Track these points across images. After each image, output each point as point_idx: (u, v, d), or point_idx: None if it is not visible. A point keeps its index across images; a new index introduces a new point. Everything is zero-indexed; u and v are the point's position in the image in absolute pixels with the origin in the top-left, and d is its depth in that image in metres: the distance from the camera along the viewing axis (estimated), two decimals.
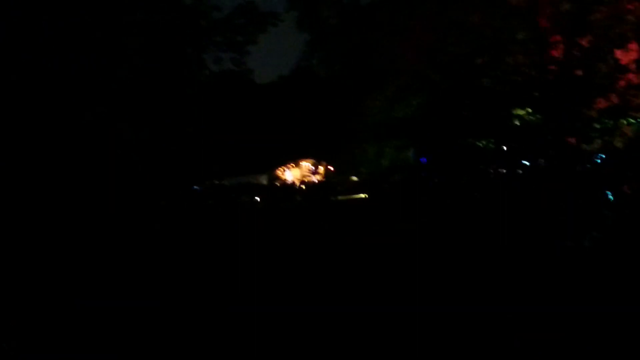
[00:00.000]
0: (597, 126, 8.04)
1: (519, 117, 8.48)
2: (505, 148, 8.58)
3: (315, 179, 28.78)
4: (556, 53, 8.34)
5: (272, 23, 16.68)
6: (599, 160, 8.54)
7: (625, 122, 8.06)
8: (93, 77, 12.75)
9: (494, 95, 8.65)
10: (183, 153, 17.49)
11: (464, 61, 9.74)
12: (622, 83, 7.94)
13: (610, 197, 8.32)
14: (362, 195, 23.54)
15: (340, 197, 24.26)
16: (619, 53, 8.27)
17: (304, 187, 28.41)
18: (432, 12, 16.37)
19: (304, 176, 30.45)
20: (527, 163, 8.35)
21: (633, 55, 8.21)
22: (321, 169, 27.37)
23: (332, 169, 25.30)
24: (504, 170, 8.69)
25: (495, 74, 8.73)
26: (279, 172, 31.15)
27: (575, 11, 8.23)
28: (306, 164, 30.59)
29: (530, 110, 8.48)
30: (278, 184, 29.79)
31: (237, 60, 16.88)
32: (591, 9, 8.46)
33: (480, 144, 9.28)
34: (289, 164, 30.78)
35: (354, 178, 24.54)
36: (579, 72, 8.13)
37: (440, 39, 14.59)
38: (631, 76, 7.94)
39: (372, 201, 22.16)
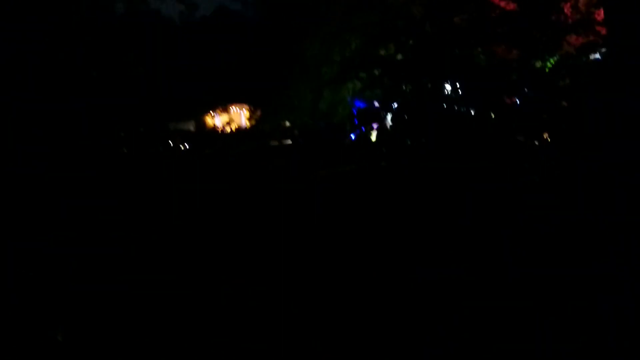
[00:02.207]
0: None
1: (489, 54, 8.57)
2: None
3: (246, 124, 28.10)
4: None
5: None
6: None
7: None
8: None
9: (461, 33, 8.66)
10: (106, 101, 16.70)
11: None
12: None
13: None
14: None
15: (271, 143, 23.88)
16: None
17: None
18: None
19: (234, 122, 29.58)
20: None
21: None
22: (253, 114, 26.67)
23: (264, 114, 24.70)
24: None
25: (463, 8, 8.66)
26: (207, 118, 30.04)
27: None
28: (236, 110, 29.68)
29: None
30: (205, 130, 28.85)
31: None
32: None
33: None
34: (218, 109, 29.72)
35: (287, 124, 24.19)
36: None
37: None
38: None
39: (294, 148, 22.06)
